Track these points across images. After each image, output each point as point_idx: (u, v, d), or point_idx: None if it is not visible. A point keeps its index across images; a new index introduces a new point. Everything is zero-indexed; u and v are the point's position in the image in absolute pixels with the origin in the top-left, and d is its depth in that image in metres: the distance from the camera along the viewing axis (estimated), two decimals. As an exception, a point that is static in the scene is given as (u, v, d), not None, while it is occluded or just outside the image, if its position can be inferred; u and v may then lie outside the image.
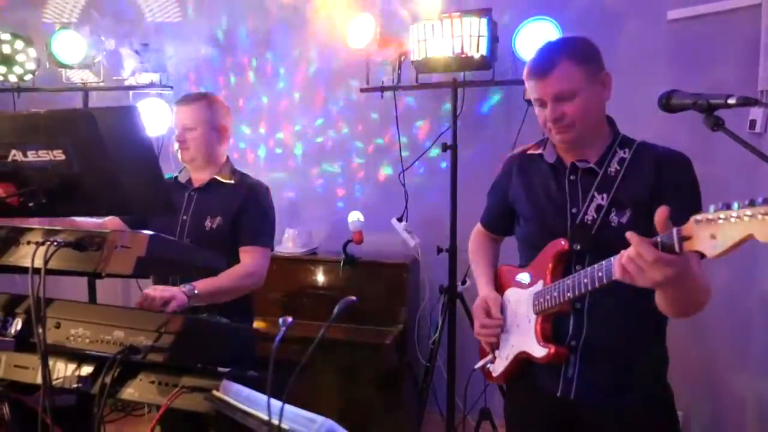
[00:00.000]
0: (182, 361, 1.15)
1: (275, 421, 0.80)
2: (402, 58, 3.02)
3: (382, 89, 3.11)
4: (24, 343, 1.28)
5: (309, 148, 3.65)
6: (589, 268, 1.28)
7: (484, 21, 2.75)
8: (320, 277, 3.16)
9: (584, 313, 1.42)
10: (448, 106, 3.05)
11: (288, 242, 3.26)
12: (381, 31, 3.04)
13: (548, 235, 1.46)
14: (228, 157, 2.14)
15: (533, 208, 1.53)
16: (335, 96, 3.55)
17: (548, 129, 1.43)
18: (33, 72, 3.30)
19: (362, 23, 3.05)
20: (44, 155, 1.14)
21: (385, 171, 3.52)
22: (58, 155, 1.13)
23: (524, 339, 1.48)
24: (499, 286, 1.64)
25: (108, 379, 1.13)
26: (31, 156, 1.15)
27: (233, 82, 3.74)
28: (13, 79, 3.28)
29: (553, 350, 1.41)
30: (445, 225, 2.97)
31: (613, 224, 1.38)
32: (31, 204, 1.19)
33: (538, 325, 1.44)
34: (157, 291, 1.67)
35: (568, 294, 1.34)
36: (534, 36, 2.77)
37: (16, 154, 1.16)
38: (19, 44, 3.27)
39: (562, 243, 1.42)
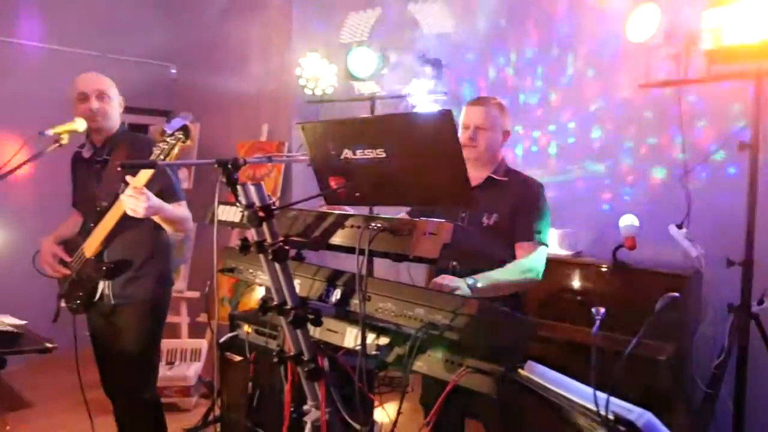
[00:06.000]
0: (472, 342, 1.25)
1: (602, 411, 0.82)
2: (690, 50, 2.74)
3: (666, 84, 2.87)
4: (338, 310, 1.53)
5: (570, 146, 3.56)
6: None
7: (803, -2, 2.34)
8: (582, 282, 3.05)
9: None
10: (740, 101, 2.67)
11: (553, 243, 3.22)
12: (666, 21, 2.81)
13: None
14: (503, 157, 2.22)
15: None
16: (603, 92, 3.41)
17: None
18: (333, 86, 3.88)
19: (646, 14, 2.85)
20: (369, 153, 1.35)
21: (659, 174, 3.24)
22: (380, 154, 1.33)
23: None
24: None
25: (414, 349, 1.27)
26: (359, 154, 1.37)
27: (492, 82, 3.86)
28: (318, 92, 3.90)
29: None
30: (737, 234, 2.61)
31: None
32: (357, 194, 1.41)
33: None
34: (445, 280, 1.81)
35: None
36: None
37: (347, 153, 1.39)
38: (323, 63, 3.88)
39: None
